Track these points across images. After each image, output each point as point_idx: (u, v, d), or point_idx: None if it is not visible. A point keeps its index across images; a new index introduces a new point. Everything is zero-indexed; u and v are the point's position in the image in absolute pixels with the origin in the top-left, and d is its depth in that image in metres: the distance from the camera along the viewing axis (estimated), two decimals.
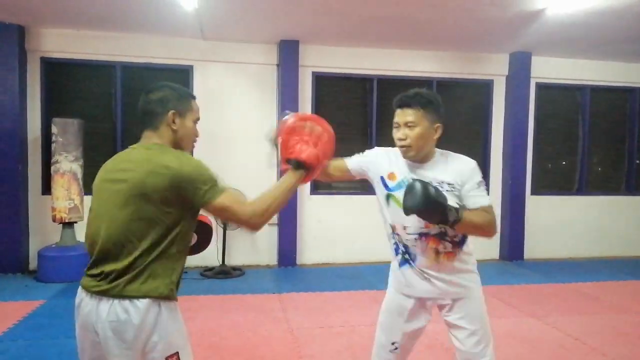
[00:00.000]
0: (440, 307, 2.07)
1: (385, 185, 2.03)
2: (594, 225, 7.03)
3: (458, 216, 1.78)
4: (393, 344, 2.07)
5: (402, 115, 1.92)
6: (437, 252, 1.96)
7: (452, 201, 1.84)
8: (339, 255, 6.33)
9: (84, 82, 5.91)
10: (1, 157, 5.44)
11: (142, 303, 1.49)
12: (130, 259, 1.49)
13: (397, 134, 1.95)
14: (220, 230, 5.77)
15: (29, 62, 5.63)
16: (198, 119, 1.72)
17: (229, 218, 1.59)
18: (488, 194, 1.96)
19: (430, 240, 1.95)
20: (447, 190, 1.89)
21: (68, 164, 5.31)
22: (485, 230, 1.88)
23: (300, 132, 1.76)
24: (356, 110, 6.59)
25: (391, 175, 2.02)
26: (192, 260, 6.02)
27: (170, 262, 1.55)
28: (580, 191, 7.09)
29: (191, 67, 6.04)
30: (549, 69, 6.75)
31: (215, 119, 6.10)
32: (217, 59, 6.05)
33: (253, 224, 1.56)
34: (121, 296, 1.48)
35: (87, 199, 4.62)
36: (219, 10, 4.94)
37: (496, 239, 6.83)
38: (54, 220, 5.35)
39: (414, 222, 1.94)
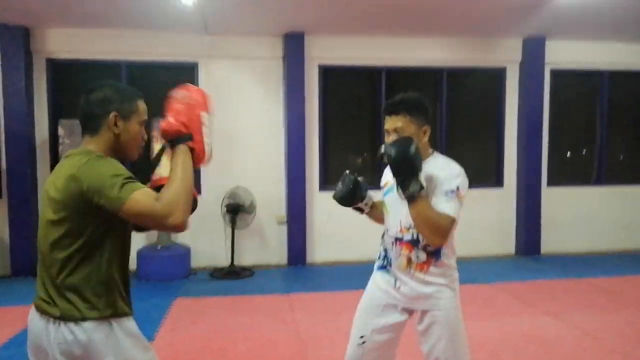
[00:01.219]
0: (413, 315, 2.05)
1: (383, 193, 2.12)
2: (615, 217, 6.77)
3: (417, 193, 1.79)
4: (361, 337, 2.07)
5: (391, 122, 1.96)
6: (409, 261, 1.96)
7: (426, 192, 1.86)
8: (349, 253, 6.22)
9: (90, 82, 5.81)
10: (11, 161, 5.46)
11: (89, 324, 1.42)
12: (65, 279, 1.42)
13: (387, 139, 1.98)
14: (229, 230, 5.72)
15: (35, 64, 5.62)
16: (144, 121, 1.58)
17: (146, 222, 1.38)
18: (458, 205, 1.89)
19: (404, 246, 1.97)
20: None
21: None
22: (432, 230, 1.82)
23: (167, 109, 1.53)
24: (365, 102, 6.46)
25: (385, 184, 2.10)
26: (202, 261, 5.99)
27: (107, 278, 1.46)
28: (600, 182, 6.85)
29: (196, 64, 5.97)
30: (564, 53, 6.50)
31: (221, 115, 5.96)
32: (221, 54, 5.96)
33: (173, 222, 1.34)
34: (65, 319, 1.42)
35: None
36: (221, 3, 4.84)
37: (511, 233, 6.66)
38: None
39: (392, 226, 2.01)
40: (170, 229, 1.37)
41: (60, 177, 1.43)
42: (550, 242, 6.60)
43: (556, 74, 6.63)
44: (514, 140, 6.63)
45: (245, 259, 6.05)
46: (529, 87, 6.44)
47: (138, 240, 5.76)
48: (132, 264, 5.58)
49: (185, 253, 5.69)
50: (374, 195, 2.24)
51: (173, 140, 1.48)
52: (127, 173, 1.40)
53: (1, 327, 3.89)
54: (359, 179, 2.11)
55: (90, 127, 1.51)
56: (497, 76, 6.62)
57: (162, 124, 1.48)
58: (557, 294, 4.82)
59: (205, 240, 5.98)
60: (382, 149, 1.85)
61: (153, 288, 5.13)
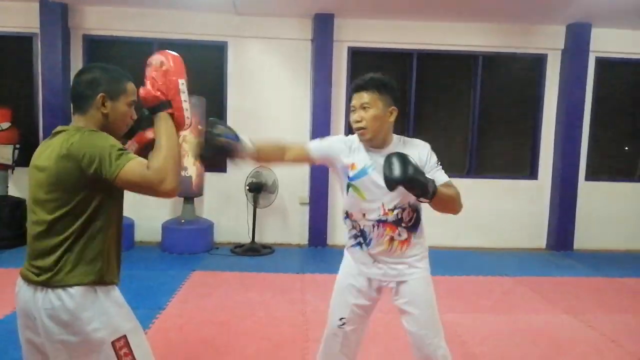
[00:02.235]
0: (389, 291, 2.11)
1: (347, 175, 2.04)
2: None
3: (435, 188, 1.79)
4: (341, 319, 2.11)
5: (358, 98, 1.95)
6: (392, 239, 2.01)
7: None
8: None
9: (124, 59, 6.03)
10: (47, 131, 5.72)
11: (75, 290, 1.48)
12: (57, 248, 1.48)
13: (353, 116, 1.98)
14: (251, 208, 5.80)
15: (72, 40, 5.84)
16: (134, 101, 1.62)
17: (140, 189, 1.43)
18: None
19: (388, 227, 2.00)
20: None
21: None
22: (456, 203, 1.92)
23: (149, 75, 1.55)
24: None
25: (352, 166, 2.04)
26: (225, 237, 6.12)
27: (98, 247, 1.52)
28: None
29: (225, 43, 6.01)
30: (611, 41, 6.09)
31: (248, 95, 6.08)
32: (250, 34, 5.98)
33: (164, 188, 1.39)
34: (53, 286, 1.48)
35: None
36: None
37: (543, 226, 6.39)
38: None
39: (373, 210, 2.00)
40: (162, 195, 1.42)
41: (53, 152, 1.48)
42: (585, 238, 6.29)
43: (602, 63, 6.23)
44: (551, 130, 6.32)
45: (267, 237, 6.14)
46: (571, 76, 6.08)
47: (163, 214, 5.95)
48: (157, 236, 5.79)
49: (208, 228, 5.82)
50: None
51: (153, 107, 1.53)
52: (120, 145, 1.48)
53: None
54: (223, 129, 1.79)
55: (80, 107, 1.57)
56: (537, 63, 6.30)
57: (141, 91, 1.54)
58: (583, 293, 4.59)
59: (229, 217, 6.11)
60: (385, 175, 1.74)
61: (174, 260, 5.30)
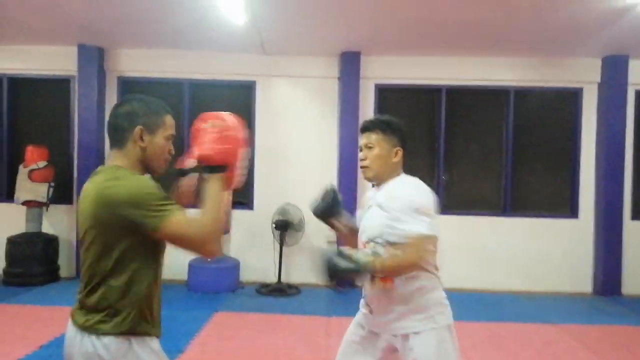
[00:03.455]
0: (396, 348, 1.95)
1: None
2: None
3: (373, 269, 1.76)
4: None
5: (364, 138, 2.00)
6: (373, 277, 1.91)
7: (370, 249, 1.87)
8: None
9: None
10: (81, 170, 5.86)
11: (107, 339, 1.42)
12: (96, 293, 1.44)
13: (359, 155, 2.04)
14: (278, 246, 5.69)
15: (107, 81, 6.06)
16: (172, 135, 1.56)
17: (182, 245, 1.41)
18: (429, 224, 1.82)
19: None
20: (380, 212, 1.90)
21: None
22: (406, 269, 1.82)
23: (202, 134, 1.49)
24: (423, 123, 6.18)
25: (362, 207, 2.13)
26: (251, 275, 6.00)
27: (135, 296, 1.45)
28: None
29: (254, 82, 6.10)
30: None
31: (276, 133, 6.10)
32: (278, 73, 6.06)
33: (209, 249, 1.42)
34: (88, 331, 1.43)
35: None
36: (274, 23, 4.91)
37: (588, 269, 5.99)
38: None
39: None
40: (204, 255, 1.48)
41: (90, 194, 1.44)
42: (634, 282, 5.84)
43: None
44: (591, 166, 6.02)
45: (294, 277, 5.98)
46: (610, 109, 5.83)
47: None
48: (183, 275, 5.73)
49: (234, 266, 5.73)
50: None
51: (209, 167, 1.47)
52: (163, 192, 1.43)
53: (51, 326, 4.11)
54: (339, 195, 2.11)
55: (117, 140, 1.52)
56: (572, 97, 6.08)
57: (199, 150, 1.47)
58: (635, 344, 4.20)
59: (256, 255, 6.02)
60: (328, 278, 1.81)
61: (198, 300, 5.21)
